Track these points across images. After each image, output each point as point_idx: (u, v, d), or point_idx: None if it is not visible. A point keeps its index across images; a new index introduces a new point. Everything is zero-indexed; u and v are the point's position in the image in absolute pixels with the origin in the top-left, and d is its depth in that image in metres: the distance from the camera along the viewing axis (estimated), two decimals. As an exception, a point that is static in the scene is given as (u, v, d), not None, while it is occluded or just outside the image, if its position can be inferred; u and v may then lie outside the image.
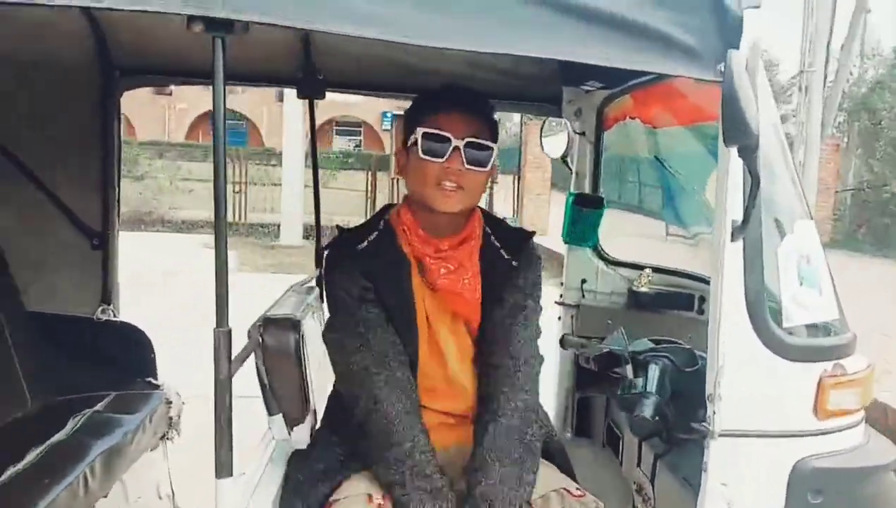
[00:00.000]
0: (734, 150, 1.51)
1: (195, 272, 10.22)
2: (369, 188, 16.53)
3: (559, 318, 2.93)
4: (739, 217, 1.58)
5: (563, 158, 2.91)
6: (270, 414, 1.94)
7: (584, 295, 2.89)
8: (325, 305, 2.65)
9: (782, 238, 1.74)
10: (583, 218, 2.78)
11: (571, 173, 2.90)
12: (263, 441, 2.00)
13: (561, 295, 2.93)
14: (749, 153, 1.47)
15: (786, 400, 1.73)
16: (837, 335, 1.84)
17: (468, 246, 1.86)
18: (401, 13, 1.38)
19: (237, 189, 16.35)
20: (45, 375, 2.90)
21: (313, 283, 2.63)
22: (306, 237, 14.33)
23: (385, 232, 1.87)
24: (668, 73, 1.55)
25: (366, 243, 1.85)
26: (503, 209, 14.99)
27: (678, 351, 2.17)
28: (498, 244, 1.91)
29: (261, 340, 1.92)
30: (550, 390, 2.87)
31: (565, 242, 2.87)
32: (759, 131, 1.44)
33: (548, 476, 1.79)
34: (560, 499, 1.74)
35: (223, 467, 1.42)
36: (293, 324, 1.96)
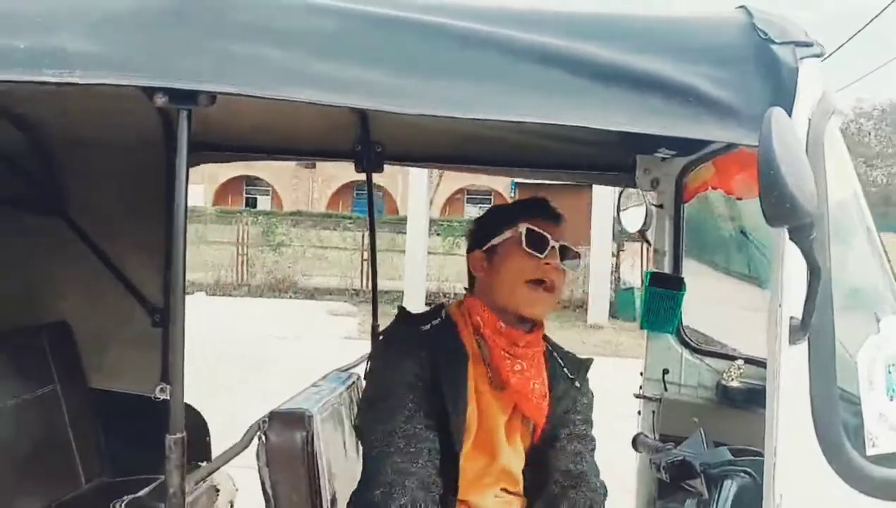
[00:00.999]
0: (785, 232, 1.21)
1: (312, 340, 10.38)
2: (493, 256, 16.34)
3: (639, 413, 2.58)
4: (800, 314, 1.26)
5: (642, 233, 2.62)
6: None
7: (666, 388, 2.54)
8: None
9: (864, 339, 1.38)
10: (661, 301, 2.45)
11: (650, 249, 2.59)
12: None
13: (640, 387, 2.59)
14: (802, 236, 1.16)
15: (872, 550, 1.35)
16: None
17: (538, 351, 1.87)
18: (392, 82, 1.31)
19: (365, 256, 16.65)
20: (102, 455, 2.86)
21: (359, 368, 2.44)
22: (429, 304, 14.32)
23: (446, 321, 1.86)
24: (702, 138, 1.28)
25: (429, 326, 1.82)
26: (631, 277, 14.36)
27: (761, 464, 1.82)
28: (560, 361, 1.94)
29: (264, 439, 1.74)
30: (628, 498, 2.53)
31: (642, 327, 2.55)
32: (816, 209, 1.13)
33: None
34: None
35: None
36: (303, 420, 1.77)
